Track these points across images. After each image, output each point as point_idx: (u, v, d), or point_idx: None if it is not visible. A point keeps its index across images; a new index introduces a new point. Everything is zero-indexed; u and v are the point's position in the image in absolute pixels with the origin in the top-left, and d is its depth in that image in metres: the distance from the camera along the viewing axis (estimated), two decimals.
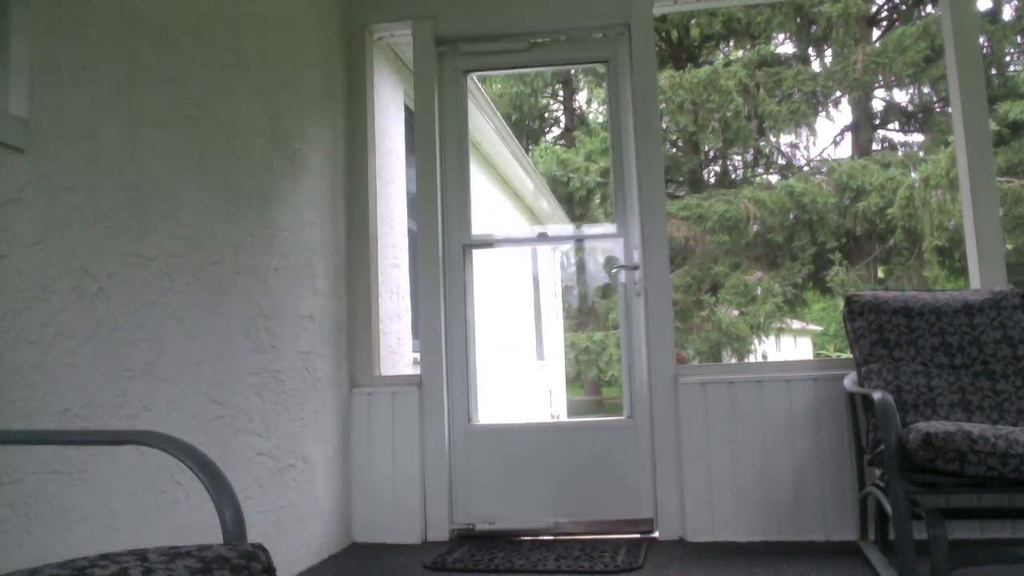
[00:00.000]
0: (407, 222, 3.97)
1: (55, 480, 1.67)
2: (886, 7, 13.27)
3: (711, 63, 12.42)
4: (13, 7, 1.66)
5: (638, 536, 3.08)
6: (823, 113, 12.76)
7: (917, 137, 13.02)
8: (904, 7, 12.89)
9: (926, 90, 12.13)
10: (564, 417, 10.01)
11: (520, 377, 7.64)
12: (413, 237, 3.71)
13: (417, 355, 3.43)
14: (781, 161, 13.59)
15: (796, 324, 18.70)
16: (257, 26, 2.70)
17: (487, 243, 3.50)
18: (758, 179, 13.40)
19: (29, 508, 1.60)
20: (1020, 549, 2.68)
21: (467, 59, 3.47)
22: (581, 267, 14.56)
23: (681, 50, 13.65)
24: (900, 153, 12.11)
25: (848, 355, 2.82)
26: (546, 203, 9.02)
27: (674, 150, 13.50)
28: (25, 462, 1.60)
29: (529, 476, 3.20)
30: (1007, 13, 11.22)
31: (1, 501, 1.54)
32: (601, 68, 3.47)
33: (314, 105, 3.11)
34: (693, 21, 12.92)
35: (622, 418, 3.24)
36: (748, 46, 12.84)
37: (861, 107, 13.02)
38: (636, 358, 3.23)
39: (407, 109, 4.05)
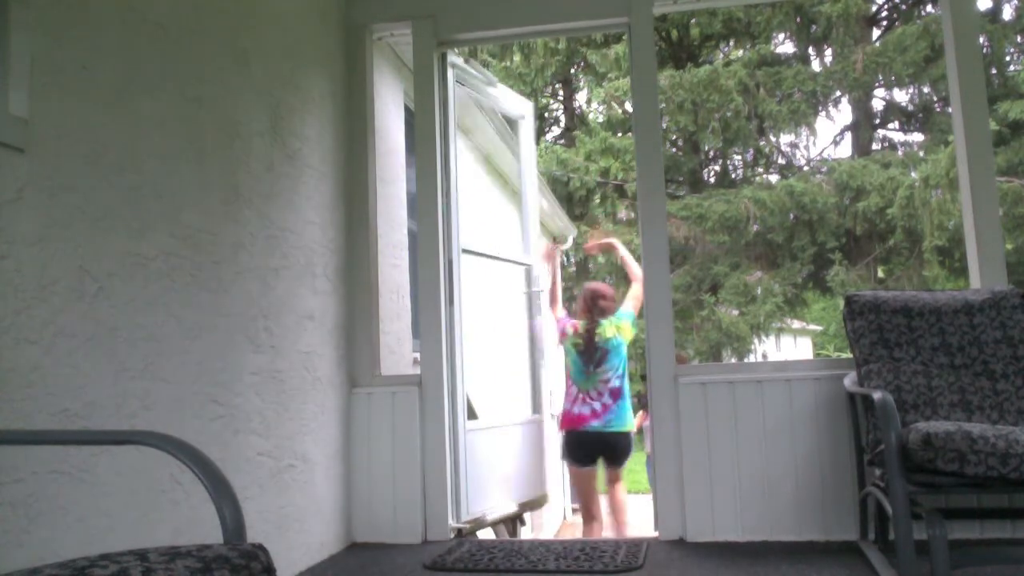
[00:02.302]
0: (407, 222, 3.97)
1: (55, 480, 1.67)
2: (886, 7, 13.27)
3: (711, 63, 12.42)
4: (13, 6, 1.66)
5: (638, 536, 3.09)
6: (823, 113, 12.78)
7: (917, 137, 13.02)
8: (904, 7, 12.89)
9: (926, 90, 12.13)
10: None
11: (520, 377, 7.63)
12: (413, 237, 3.71)
13: (417, 355, 3.43)
14: (781, 161, 13.60)
15: (796, 324, 18.70)
16: (257, 26, 2.70)
17: (483, 254, 3.59)
18: (758, 179, 13.41)
19: (29, 508, 1.60)
20: (1020, 549, 2.68)
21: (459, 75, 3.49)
22: (582, 266, 14.55)
23: (681, 50, 13.65)
24: (900, 153, 12.11)
25: (848, 355, 2.82)
26: (546, 203, 9.02)
27: (674, 150, 13.50)
28: (25, 462, 1.60)
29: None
30: (1007, 13, 11.23)
31: (1, 501, 1.54)
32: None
33: (314, 104, 3.11)
34: (693, 21, 12.92)
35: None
36: (748, 46, 12.84)
37: (861, 107, 13.02)
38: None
39: (407, 109, 4.05)
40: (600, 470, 4.07)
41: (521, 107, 4.23)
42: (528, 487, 3.73)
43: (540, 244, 4.34)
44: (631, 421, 3.95)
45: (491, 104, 4.04)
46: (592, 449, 3.91)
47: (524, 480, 3.71)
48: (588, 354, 3.94)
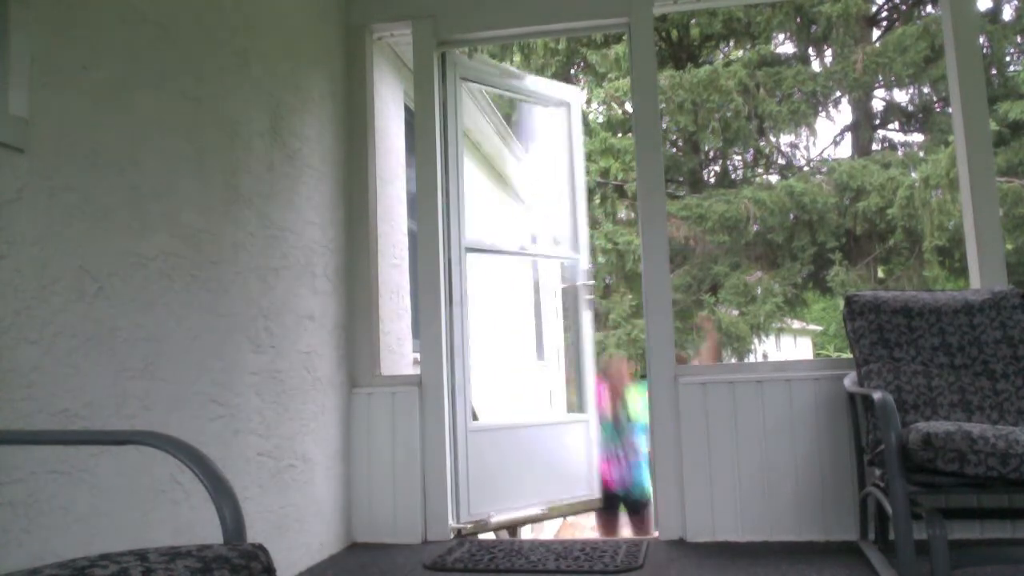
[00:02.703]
0: (407, 222, 3.97)
1: (55, 480, 1.67)
2: (886, 7, 13.26)
3: (711, 63, 12.41)
4: (12, 6, 1.66)
5: (638, 536, 3.09)
6: (823, 113, 12.75)
7: (917, 137, 13.01)
8: (904, 7, 12.88)
9: (926, 90, 12.11)
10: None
11: (520, 376, 7.64)
12: (413, 237, 3.71)
13: (417, 355, 3.43)
14: (781, 161, 13.58)
15: (796, 324, 18.69)
16: (257, 26, 2.70)
17: (485, 250, 3.56)
18: (758, 179, 13.39)
19: (29, 508, 1.60)
20: (1020, 549, 2.68)
21: (464, 70, 3.49)
22: None
23: (681, 50, 13.64)
24: (900, 153, 12.10)
25: (848, 355, 2.82)
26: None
27: (674, 150, 13.49)
28: (25, 462, 1.60)
29: (530, 476, 3.20)
30: (1007, 13, 11.22)
31: (1, 501, 1.54)
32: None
33: (314, 104, 3.11)
34: (693, 21, 12.91)
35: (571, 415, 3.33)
36: (748, 46, 12.83)
37: (861, 107, 13.01)
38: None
39: (407, 108, 4.05)
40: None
41: (565, 94, 4.09)
42: (564, 490, 3.62)
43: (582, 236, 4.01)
44: (648, 483, 4.29)
45: (530, 98, 3.97)
46: (615, 501, 4.35)
47: (557, 483, 3.60)
48: (615, 423, 4.38)
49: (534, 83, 3.98)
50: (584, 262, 3.96)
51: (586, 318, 3.94)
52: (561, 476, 3.65)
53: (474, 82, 3.65)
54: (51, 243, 1.71)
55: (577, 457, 3.76)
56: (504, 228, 7.52)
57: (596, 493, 3.79)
